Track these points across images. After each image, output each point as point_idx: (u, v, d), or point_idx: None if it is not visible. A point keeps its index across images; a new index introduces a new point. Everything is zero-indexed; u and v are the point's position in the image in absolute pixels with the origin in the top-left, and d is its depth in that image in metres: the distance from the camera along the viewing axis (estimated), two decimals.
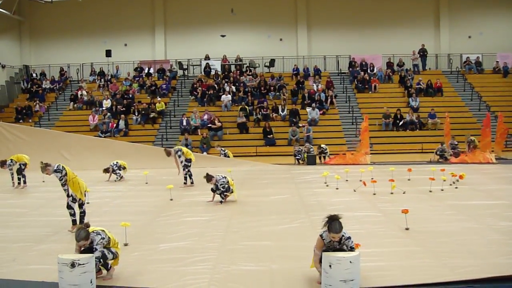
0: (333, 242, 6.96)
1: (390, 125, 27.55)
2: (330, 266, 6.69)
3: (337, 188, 15.28)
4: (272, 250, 8.93)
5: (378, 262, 8.02)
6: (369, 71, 32.96)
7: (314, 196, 14.24)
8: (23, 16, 37.33)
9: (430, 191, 14.25)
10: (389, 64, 33.59)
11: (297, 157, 22.35)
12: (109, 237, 7.68)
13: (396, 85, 32.09)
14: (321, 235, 7.02)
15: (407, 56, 33.49)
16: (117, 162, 18.71)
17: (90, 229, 7.58)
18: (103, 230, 7.67)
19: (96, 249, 7.43)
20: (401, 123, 27.41)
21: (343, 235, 6.93)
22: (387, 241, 9.27)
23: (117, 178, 18.49)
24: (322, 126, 27.70)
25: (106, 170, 18.58)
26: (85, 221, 9.94)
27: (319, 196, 14.04)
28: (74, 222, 10.80)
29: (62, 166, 10.73)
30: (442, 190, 14.39)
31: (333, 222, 6.88)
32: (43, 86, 34.01)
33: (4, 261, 8.78)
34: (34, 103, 31.81)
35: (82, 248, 7.50)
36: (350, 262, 6.67)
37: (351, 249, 7.00)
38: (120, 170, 18.63)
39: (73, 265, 6.86)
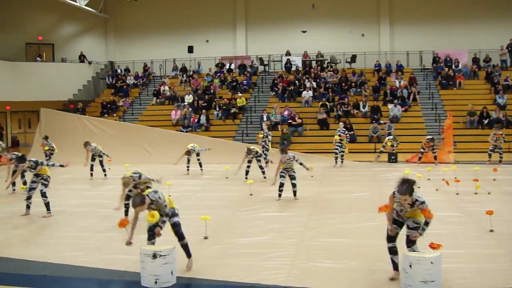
0: (403, 203, 7.13)
1: (475, 123, 26.71)
2: (410, 266, 6.60)
3: (418, 187, 14.86)
4: (350, 247, 8.88)
5: (459, 264, 7.85)
6: (453, 67, 32.03)
7: None
8: (109, 14, 38.57)
9: None
10: (475, 60, 32.50)
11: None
12: (164, 197, 7.80)
13: (482, 81, 31.07)
14: (393, 192, 7.23)
15: (494, 52, 32.27)
16: (193, 145, 19.20)
17: (145, 192, 7.75)
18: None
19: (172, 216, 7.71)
20: (486, 121, 26.52)
21: (416, 200, 7.07)
22: (469, 243, 9.05)
23: (201, 168, 19.19)
24: (404, 123, 27.14)
25: (187, 153, 18.95)
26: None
27: None
28: None
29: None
30: None
31: (402, 184, 7.05)
32: (127, 82, 34.93)
33: (89, 250, 9.14)
34: (119, 98, 32.78)
35: (140, 212, 7.69)
36: (431, 263, 6.55)
37: None
38: (199, 155, 19.23)
39: (154, 256, 7.05)
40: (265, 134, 21.08)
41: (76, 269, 8.20)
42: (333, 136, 21.10)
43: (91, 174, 18.57)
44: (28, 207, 12.24)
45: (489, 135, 21.12)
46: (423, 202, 7.05)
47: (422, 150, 20.59)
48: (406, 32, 35.02)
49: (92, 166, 18.61)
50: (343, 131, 21.00)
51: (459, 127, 25.77)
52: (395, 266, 7.32)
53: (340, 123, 21.95)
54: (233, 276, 7.61)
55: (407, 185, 7.02)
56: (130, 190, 11.23)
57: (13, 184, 15.16)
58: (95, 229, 10.71)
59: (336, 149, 20.60)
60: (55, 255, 8.83)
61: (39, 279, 7.79)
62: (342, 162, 20.75)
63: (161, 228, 7.66)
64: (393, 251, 7.32)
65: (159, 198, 7.62)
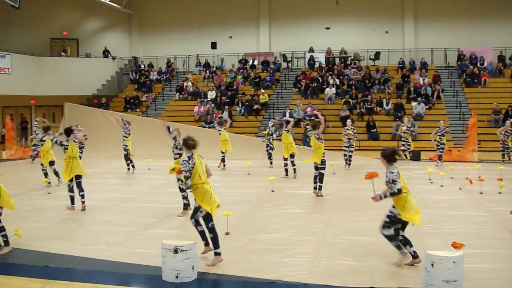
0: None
1: (500, 122, 26.37)
2: (432, 265, 6.54)
3: (441, 186, 14.87)
4: (372, 246, 8.83)
5: (482, 264, 7.76)
6: (478, 64, 31.72)
7: (418, 193, 13.85)
8: (133, 10, 38.78)
9: None
10: (501, 58, 32.13)
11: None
12: (195, 163, 7.98)
13: (507, 79, 30.71)
14: None
15: None
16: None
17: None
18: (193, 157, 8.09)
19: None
20: None
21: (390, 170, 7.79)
22: (493, 243, 8.95)
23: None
24: (427, 121, 26.91)
25: (225, 121, 19.83)
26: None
27: (422, 193, 13.68)
28: (185, 206, 11.15)
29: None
30: None
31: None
32: (151, 77, 35.17)
33: (111, 243, 9.19)
34: (142, 94, 32.96)
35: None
36: (454, 262, 6.49)
37: (393, 182, 7.72)
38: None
39: (176, 251, 7.08)
40: (270, 132, 20.67)
41: (99, 262, 8.26)
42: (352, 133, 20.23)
43: (132, 167, 18.91)
44: (81, 200, 12.23)
45: None
46: (391, 172, 7.76)
47: (437, 146, 20.47)
48: (431, 29, 34.66)
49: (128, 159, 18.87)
50: (352, 129, 20.09)
51: (483, 125, 25.52)
52: (412, 255, 7.71)
53: (348, 120, 21.19)
54: (254, 272, 7.61)
55: (386, 149, 7.91)
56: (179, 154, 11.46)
57: (57, 174, 15.56)
58: (119, 223, 10.78)
59: (346, 148, 19.67)
60: (78, 248, 8.91)
61: (61, 271, 7.85)
62: (349, 164, 19.62)
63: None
64: (403, 243, 7.79)
65: (186, 162, 7.97)
